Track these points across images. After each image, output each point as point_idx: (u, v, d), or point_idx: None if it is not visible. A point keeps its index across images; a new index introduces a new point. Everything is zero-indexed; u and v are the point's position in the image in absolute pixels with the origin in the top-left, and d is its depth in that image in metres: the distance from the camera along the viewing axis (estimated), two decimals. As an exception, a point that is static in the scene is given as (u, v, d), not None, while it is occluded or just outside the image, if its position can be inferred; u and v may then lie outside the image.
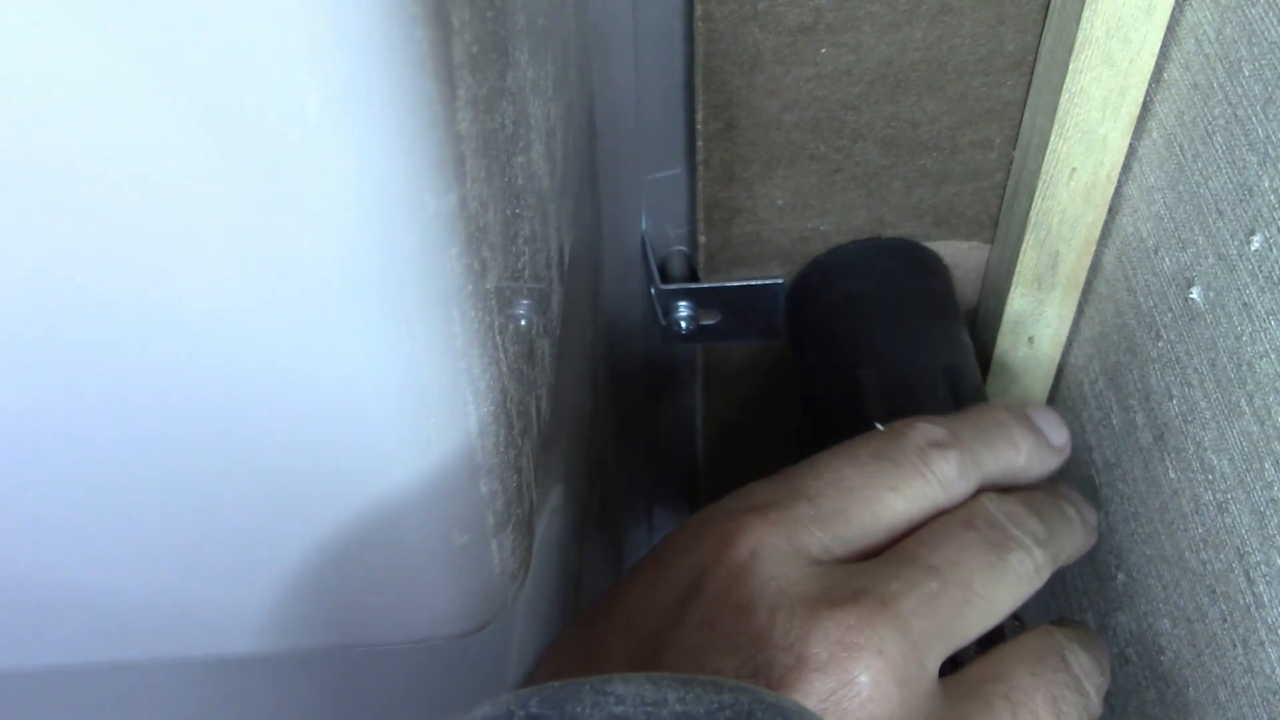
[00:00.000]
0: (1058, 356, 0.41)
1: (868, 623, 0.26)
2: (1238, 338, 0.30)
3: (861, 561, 0.29)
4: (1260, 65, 0.28)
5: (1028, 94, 0.36)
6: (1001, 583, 0.29)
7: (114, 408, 0.21)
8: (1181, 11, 0.32)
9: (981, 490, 0.32)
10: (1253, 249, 0.29)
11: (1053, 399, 0.42)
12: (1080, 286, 0.39)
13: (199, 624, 0.26)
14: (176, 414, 0.21)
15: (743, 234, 0.40)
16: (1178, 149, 0.32)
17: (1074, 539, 0.32)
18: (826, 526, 0.29)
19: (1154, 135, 0.34)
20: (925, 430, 0.32)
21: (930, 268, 0.41)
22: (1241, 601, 0.30)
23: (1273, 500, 0.29)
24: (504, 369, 0.23)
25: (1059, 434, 0.34)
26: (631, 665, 0.28)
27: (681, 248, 0.43)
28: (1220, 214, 0.30)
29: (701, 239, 0.40)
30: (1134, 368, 0.36)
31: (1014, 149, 0.38)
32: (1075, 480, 0.40)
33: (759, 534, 0.29)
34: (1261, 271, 0.29)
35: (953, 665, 0.29)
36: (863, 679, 0.26)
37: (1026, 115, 0.36)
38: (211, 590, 0.25)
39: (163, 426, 0.21)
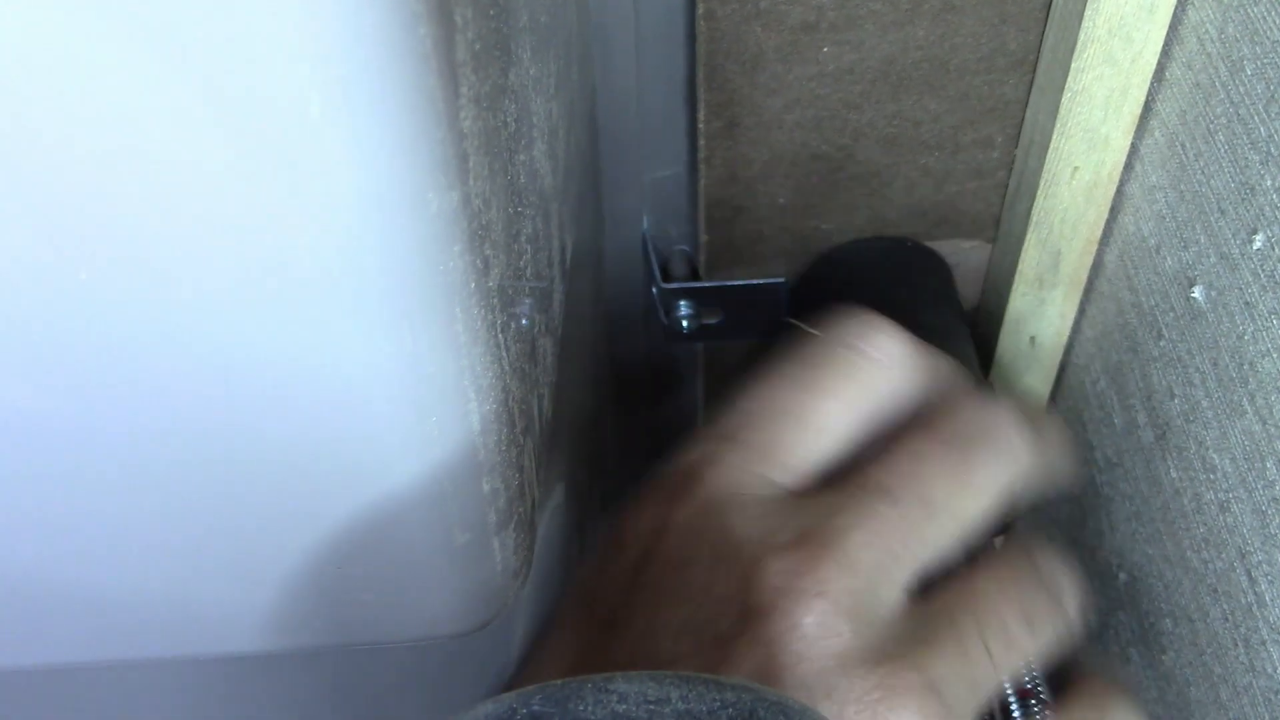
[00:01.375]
0: (1059, 356, 0.41)
1: (808, 566, 0.26)
2: (1240, 337, 0.30)
3: (811, 493, 0.28)
4: (1263, 64, 0.28)
5: (1030, 93, 0.36)
6: (970, 491, 0.28)
7: (116, 407, 0.21)
8: (1184, 10, 0.32)
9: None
10: (1255, 248, 0.29)
11: (1054, 398, 0.42)
12: (1082, 285, 0.39)
13: (200, 623, 0.26)
14: (178, 412, 0.21)
15: (744, 233, 0.40)
16: (1180, 148, 0.32)
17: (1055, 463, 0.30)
18: (765, 460, 0.28)
19: (1156, 134, 0.34)
20: (854, 319, 0.30)
21: (932, 267, 0.41)
22: (1243, 601, 0.30)
23: (1275, 499, 0.29)
24: (506, 367, 0.23)
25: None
26: (595, 632, 0.28)
27: (683, 247, 0.43)
28: (1222, 213, 0.30)
29: (703, 238, 0.40)
30: (1136, 367, 0.36)
31: (1016, 148, 0.38)
32: (1076, 480, 0.40)
33: (695, 494, 0.28)
34: (1264, 270, 0.29)
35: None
36: (807, 620, 0.25)
37: (1028, 114, 0.36)
38: (213, 589, 0.25)
39: (164, 425, 0.21)
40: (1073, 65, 0.33)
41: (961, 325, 0.40)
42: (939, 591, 0.28)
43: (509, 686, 0.30)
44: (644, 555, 0.28)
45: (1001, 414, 0.29)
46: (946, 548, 0.28)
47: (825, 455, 0.29)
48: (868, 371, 0.29)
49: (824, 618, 0.25)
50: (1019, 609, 0.28)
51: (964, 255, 0.41)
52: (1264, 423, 0.29)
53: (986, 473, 0.28)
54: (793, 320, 0.30)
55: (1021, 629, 0.27)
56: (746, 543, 0.27)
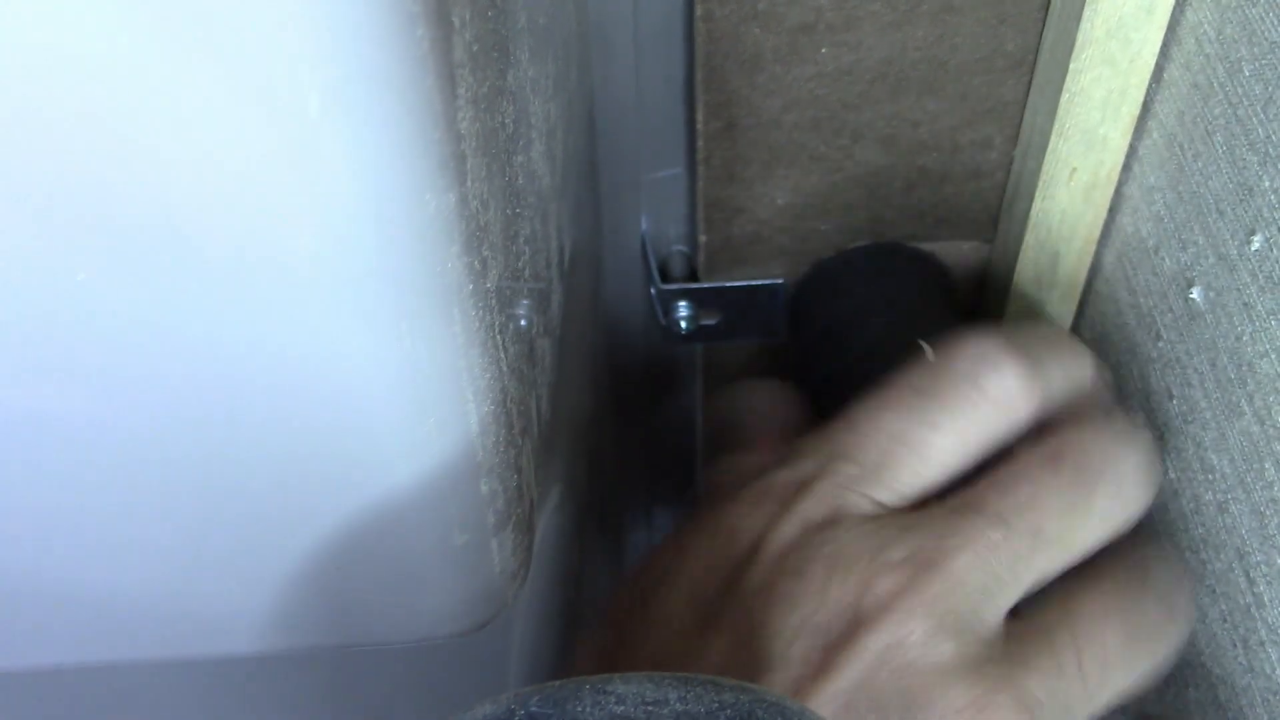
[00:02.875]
0: (1058, 356, 0.41)
1: (919, 581, 0.27)
2: (1238, 338, 0.30)
3: (922, 510, 0.29)
4: (1261, 65, 0.28)
5: (1028, 94, 0.36)
6: (1084, 524, 0.28)
7: (114, 408, 0.21)
8: (1182, 11, 0.32)
9: (1069, 410, 0.29)
10: (1253, 249, 0.29)
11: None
12: (1080, 286, 0.39)
13: (199, 624, 0.26)
14: (176, 414, 0.21)
15: (743, 234, 0.40)
16: (1178, 149, 0.32)
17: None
18: (874, 483, 0.29)
19: (1154, 135, 0.34)
20: (975, 347, 0.29)
21: (936, 274, 0.41)
22: (1242, 602, 0.30)
23: (1273, 500, 0.29)
24: (504, 368, 0.23)
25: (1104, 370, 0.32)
26: (692, 624, 0.28)
27: (682, 247, 0.43)
28: (1220, 214, 0.30)
29: (702, 239, 0.40)
30: (1134, 368, 0.36)
31: (1014, 149, 0.38)
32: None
33: (806, 508, 0.29)
34: (1262, 271, 0.29)
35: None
36: (915, 634, 0.26)
37: (1027, 115, 0.36)
38: (212, 590, 0.25)
39: (163, 426, 0.21)
40: (1071, 66, 0.33)
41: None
42: (1042, 607, 0.28)
43: (600, 651, 0.30)
44: (748, 557, 0.29)
45: (1129, 444, 0.29)
46: (1053, 573, 0.28)
47: (934, 483, 0.30)
48: (985, 412, 0.29)
49: (929, 635, 0.26)
50: (1121, 629, 0.28)
51: (962, 256, 0.41)
52: (1262, 424, 0.29)
53: (1105, 507, 0.29)
54: (921, 342, 0.30)
55: (1122, 651, 0.28)
56: (859, 557, 0.28)
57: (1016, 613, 0.28)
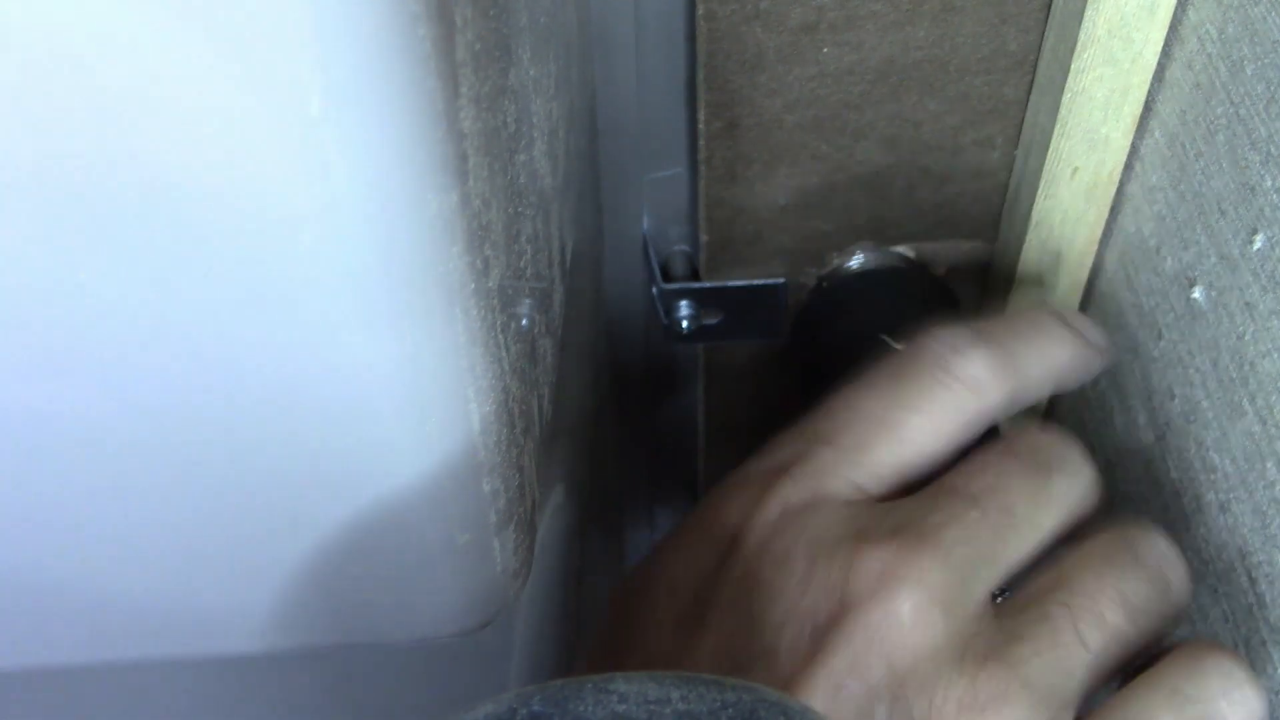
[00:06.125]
0: (1059, 356, 0.41)
1: (906, 556, 0.26)
2: (1240, 337, 0.30)
3: (899, 498, 0.29)
4: (1263, 64, 0.28)
5: (1030, 93, 0.36)
6: (1047, 505, 0.29)
7: (116, 407, 0.21)
8: (1184, 11, 0.32)
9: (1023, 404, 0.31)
10: (1255, 249, 0.29)
11: (1054, 399, 0.42)
12: (1082, 286, 0.39)
13: (200, 623, 0.26)
14: (179, 413, 0.21)
15: (744, 233, 0.40)
16: (1180, 148, 0.32)
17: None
18: (852, 465, 0.29)
19: (1156, 134, 0.34)
20: (944, 337, 0.30)
21: (942, 292, 0.41)
22: (1243, 601, 0.30)
23: (1275, 500, 0.29)
24: (506, 368, 0.23)
25: (1096, 333, 0.32)
26: (678, 625, 0.28)
27: (683, 247, 0.43)
28: (1222, 213, 0.30)
29: (703, 238, 0.40)
30: (1135, 367, 0.36)
31: (1016, 148, 0.38)
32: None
33: (786, 492, 0.29)
34: (1264, 271, 0.29)
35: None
36: (904, 608, 0.26)
37: (1029, 114, 0.36)
38: (214, 589, 0.25)
39: (165, 426, 0.21)
40: (1073, 66, 0.33)
41: None
42: (1028, 586, 0.28)
43: (593, 663, 0.30)
44: (730, 548, 0.29)
45: (1073, 443, 0.30)
46: (1026, 558, 0.28)
47: (909, 467, 0.30)
48: (955, 393, 0.30)
49: (920, 606, 0.26)
50: (1114, 593, 0.28)
51: (964, 256, 0.41)
52: (1264, 423, 0.29)
53: (1061, 491, 0.29)
54: (885, 338, 0.31)
55: (1117, 613, 0.27)
56: (843, 538, 0.27)
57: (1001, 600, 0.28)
